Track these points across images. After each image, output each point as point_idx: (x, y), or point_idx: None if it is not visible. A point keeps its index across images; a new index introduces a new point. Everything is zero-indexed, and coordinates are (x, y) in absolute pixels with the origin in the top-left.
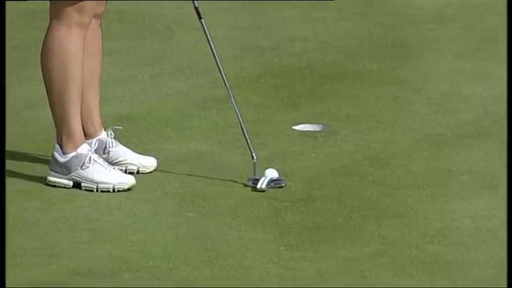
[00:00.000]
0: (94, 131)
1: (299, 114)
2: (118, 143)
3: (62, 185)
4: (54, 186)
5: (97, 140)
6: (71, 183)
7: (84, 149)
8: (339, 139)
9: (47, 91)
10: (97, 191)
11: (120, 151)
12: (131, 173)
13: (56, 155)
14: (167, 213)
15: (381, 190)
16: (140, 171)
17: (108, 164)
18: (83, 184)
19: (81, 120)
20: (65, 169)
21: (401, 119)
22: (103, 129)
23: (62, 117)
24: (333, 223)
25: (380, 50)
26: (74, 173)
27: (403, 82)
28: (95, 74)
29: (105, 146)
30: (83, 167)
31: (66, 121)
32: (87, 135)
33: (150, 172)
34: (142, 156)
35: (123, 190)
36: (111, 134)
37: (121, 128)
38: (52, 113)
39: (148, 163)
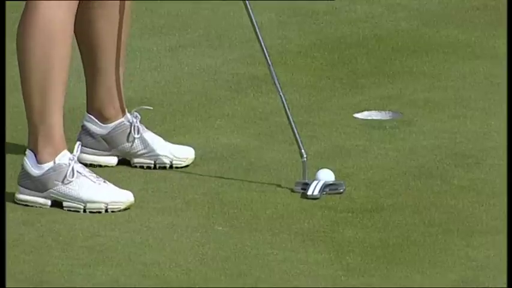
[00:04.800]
0: (114, 114)
1: (362, 98)
2: (145, 129)
3: (37, 205)
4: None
5: (118, 123)
6: (49, 202)
7: (64, 158)
8: (414, 131)
9: (21, 78)
10: (85, 212)
11: (148, 139)
12: (162, 168)
13: (27, 166)
14: (190, 227)
15: (470, 198)
16: (174, 165)
17: (97, 177)
18: (65, 204)
19: (100, 103)
20: (39, 185)
21: (497, 105)
22: (126, 110)
23: (41, 114)
24: (406, 241)
25: (469, 15)
26: (52, 190)
27: (499, 56)
28: (118, 40)
29: (130, 132)
30: (65, 182)
31: (45, 119)
32: (104, 119)
33: (184, 167)
34: (176, 146)
35: (119, 211)
36: (136, 117)
37: (151, 108)
38: (27, 108)
39: (184, 154)
